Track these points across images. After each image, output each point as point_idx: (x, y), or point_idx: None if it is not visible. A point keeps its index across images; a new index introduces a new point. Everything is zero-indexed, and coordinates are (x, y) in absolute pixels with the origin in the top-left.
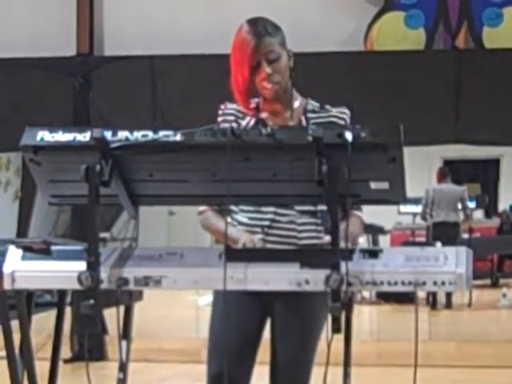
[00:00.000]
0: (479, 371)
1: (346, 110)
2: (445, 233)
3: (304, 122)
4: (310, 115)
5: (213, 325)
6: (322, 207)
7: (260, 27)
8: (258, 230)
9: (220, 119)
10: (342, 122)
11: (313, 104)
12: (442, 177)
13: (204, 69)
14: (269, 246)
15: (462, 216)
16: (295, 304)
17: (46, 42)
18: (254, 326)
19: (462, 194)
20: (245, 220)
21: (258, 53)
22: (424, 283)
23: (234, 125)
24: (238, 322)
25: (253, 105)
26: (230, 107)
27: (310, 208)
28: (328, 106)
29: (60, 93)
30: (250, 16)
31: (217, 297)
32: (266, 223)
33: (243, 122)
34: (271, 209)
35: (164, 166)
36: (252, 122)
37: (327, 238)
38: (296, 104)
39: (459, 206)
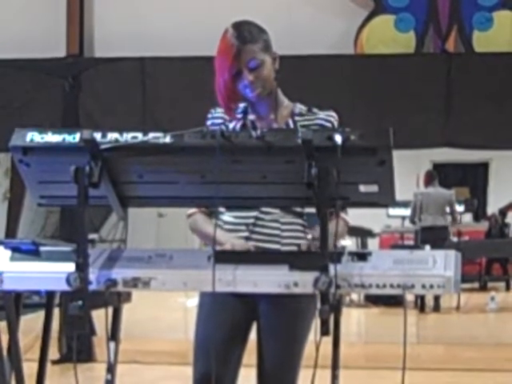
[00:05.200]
0: (467, 374)
1: (334, 114)
2: (433, 237)
3: (291, 125)
4: (297, 118)
5: (198, 326)
6: (309, 209)
7: (244, 33)
8: (243, 228)
9: (208, 123)
10: (329, 125)
11: (300, 107)
12: (429, 180)
13: (194, 71)
14: (253, 243)
15: (449, 219)
16: (281, 306)
17: (35, 43)
18: (240, 328)
19: (450, 197)
20: (230, 219)
21: (239, 61)
22: (412, 286)
23: (223, 127)
24: (223, 322)
25: (240, 109)
26: (218, 111)
27: (296, 208)
28: (315, 109)
29: (49, 94)
30: (239, 18)
31: (202, 298)
32: (251, 221)
33: (230, 126)
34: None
35: (153, 167)
36: (238, 126)
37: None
38: (282, 107)
39: (447, 209)
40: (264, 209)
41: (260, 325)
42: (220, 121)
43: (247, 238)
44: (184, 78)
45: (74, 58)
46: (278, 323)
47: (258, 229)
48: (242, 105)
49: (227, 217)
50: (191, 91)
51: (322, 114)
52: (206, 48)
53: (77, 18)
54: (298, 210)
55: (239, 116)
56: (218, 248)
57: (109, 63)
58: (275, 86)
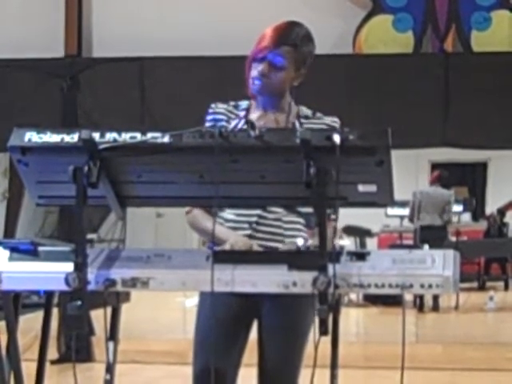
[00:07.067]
0: (466, 374)
1: (337, 120)
2: (432, 236)
3: (298, 126)
4: (303, 120)
5: (199, 322)
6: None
7: (289, 33)
8: (246, 226)
9: (210, 117)
10: None
11: (305, 110)
12: (436, 180)
13: (193, 71)
14: (256, 242)
15: (445, 218)
16: (282, 306)
17: (34, 44)
18: (241, 324)
19: (449, 198)
20: (232, 217)
21: (266, 50)
22: (411, 286)
23: (223, 124)
24: (223, 318)
25: (242, 106)
26: (220, 107)
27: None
28: (319, 114)
29: (48, 94)
30: (237, 18)
31: (203, 297)
32: (254, 219)
33: (232, 123)
34: None
35: (152, 167)
36: (241, 124)
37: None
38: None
39: (446, 209)
40: (267, 207)
41: (261, 323)
42: (222, 117)
43: (250, 236)
44: (182, 78)
45: (72, 58)
46: (279, 322)
47: (261, 227)
48: (244, 102)
49: (228, 214)
50: (190, 91)
51: (327, 120)
52: (204, 48)
53: (75, 19)
54: (300, 209)
55: (241, 114)
56: (219, 245)
57: (107, 63)
58: (287, 96)
